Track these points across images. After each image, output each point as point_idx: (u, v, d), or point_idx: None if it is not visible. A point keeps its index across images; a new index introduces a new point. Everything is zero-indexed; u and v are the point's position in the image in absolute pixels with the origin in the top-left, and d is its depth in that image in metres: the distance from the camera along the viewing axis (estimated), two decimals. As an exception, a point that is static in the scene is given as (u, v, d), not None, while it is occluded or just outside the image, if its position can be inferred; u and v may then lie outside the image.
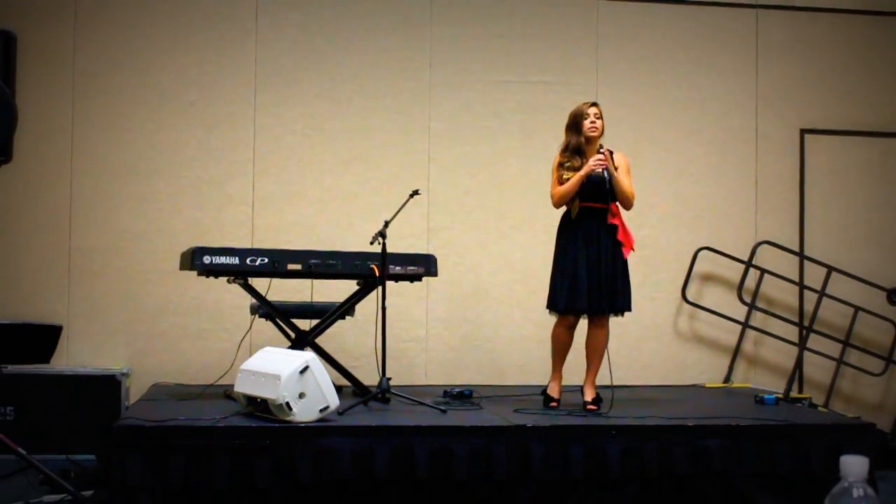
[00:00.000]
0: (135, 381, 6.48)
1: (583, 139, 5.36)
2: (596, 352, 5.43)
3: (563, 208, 5.47)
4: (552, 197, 5.42)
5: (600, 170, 5.26)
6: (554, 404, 5.44)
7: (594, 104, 5.45)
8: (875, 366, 7.35)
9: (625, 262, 5.40)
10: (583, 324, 5.50)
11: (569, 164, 5.36)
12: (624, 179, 5.38)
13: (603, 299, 5.32)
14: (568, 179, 5.33)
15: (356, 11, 7.09)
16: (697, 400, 6.19)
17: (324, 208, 6.96)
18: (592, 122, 5.36)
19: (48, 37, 6.73)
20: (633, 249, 5.43)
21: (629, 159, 5.54)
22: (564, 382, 5.58)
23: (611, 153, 5.39)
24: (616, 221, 5.37)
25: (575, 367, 5.62)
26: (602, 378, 5.50)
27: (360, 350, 6.43)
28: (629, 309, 5.45)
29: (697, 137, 7.40)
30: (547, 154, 5.79)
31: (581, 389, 5.47)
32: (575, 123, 5.41)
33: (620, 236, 5.37)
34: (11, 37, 6.68)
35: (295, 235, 6.79)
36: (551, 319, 5.51)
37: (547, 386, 5.56)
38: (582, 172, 5.28)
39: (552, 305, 5.46)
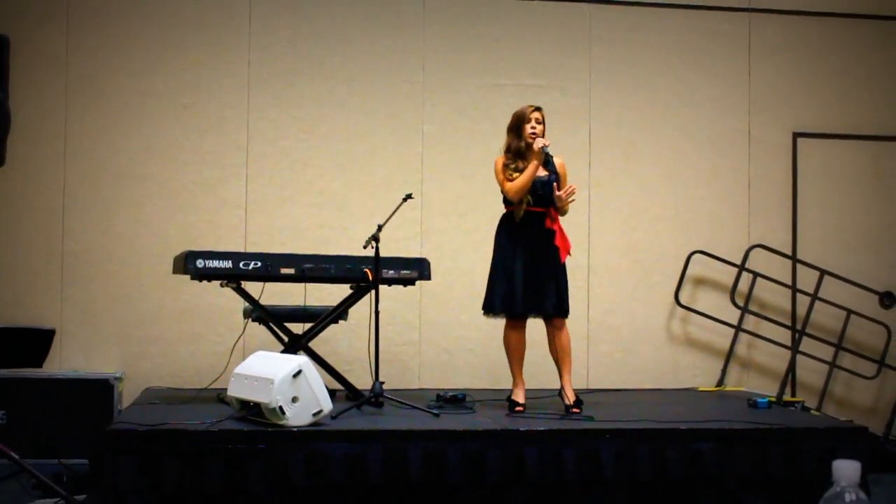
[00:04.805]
0: (128, 385, 6.47)
1: (523, 144, 5.38)
2: (562, 353, 5.44)
3: (503, 210, 5.50)
4: (508, 192, 5.38)
5: (540, 146, 5.24)
6: (519, 409, 5.42)
7: (537, 109, 5.45)
8: (867, 369, 7.36)
9: (563, 266, 5.44)
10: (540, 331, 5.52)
11: (513, 165, 5.39)
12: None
13: (544, 302, 5.36)
14: (517, 178, 5.34)
15: (349, 14, 7.09)
16: (691, 403, 6.19)
17: (317, 211, 6.95)
18: (533, 127, 5.38)
19: (41, 40, 6.72)
20: (569, 254, 5.47)
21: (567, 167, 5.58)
22: (548, 386, 5.59)
23: (550, 157, 5.39)
24: (555, 227, 5.40)
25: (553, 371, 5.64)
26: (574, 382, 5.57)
27: (353, 354, 6.44)
28: (568, 312, 5.47)
29: (690, 141, 7.41)
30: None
31: (559, 393, 5.48)
32: (517, 126, 5.44)
33: (558, 241, 5.39)
34: (4, 40, 6.67)
35: (288, 239, 6.80)
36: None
37: (511, 392, 5.56)
38: (535, 162, 5.29)
39: (488, 307, 5.49)
